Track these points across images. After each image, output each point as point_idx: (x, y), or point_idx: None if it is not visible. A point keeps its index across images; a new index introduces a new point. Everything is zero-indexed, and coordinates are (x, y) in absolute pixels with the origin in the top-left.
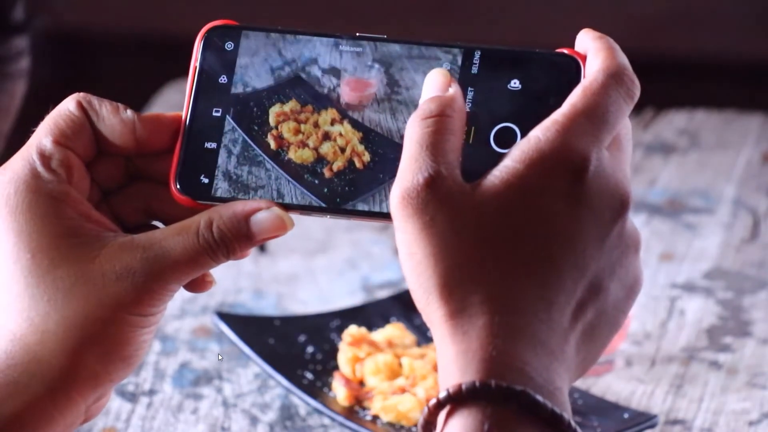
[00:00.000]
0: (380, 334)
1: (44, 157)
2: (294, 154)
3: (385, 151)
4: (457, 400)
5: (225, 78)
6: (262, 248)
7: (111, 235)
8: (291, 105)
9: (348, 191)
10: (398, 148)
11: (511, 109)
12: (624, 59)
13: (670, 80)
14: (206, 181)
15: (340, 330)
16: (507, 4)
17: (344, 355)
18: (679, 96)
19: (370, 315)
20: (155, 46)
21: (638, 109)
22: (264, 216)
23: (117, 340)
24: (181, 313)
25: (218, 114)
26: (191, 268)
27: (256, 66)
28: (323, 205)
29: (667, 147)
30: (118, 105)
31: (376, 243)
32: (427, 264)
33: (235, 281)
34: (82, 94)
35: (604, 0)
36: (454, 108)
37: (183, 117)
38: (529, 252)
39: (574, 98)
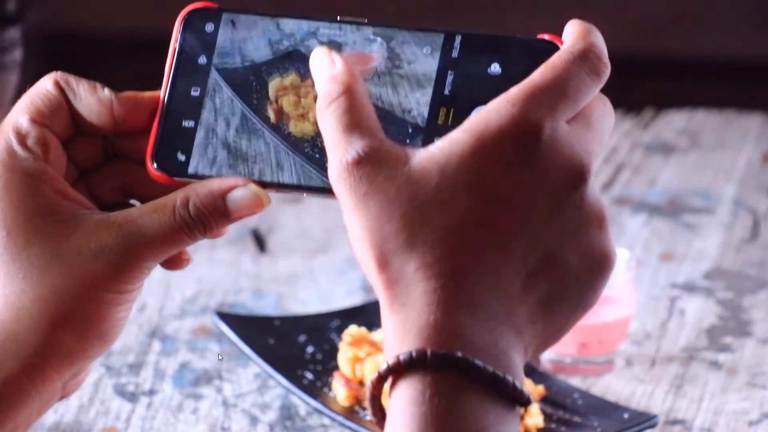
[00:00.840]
0: (380, 334)
1: (20, 135)
2: (294, 128)
3: (386, 126)
4: (397, 371)
5: (204, 58)
6: (262, 248)
7: (87, 212)
8: (291, 78)
9: None
10: (399, 122)
11: (490, 93)
12: (595, 39)
13: (670, 80)
14: (183, 158)
15: (340, 330)
16: (507, 5)
17: (344, 355)
18: (679, 96)
19: (370, 315)
20: (153, 46)
21: (638, 109)
22: (240, 193)
23: (93, 318)
24: (181, 313)
25: (197, 93)
26: (167, 245)
27: (235, 45)
28: (324, 179)
29: (667, 147)
30: (95, 84)
31: None
32: (362, 236)
33: (235, 281)
34: (59, 72)
35: (605, 0)
36: (350, 79)
37: (161, 96)
38: (467, 219)
39: (534, 74)
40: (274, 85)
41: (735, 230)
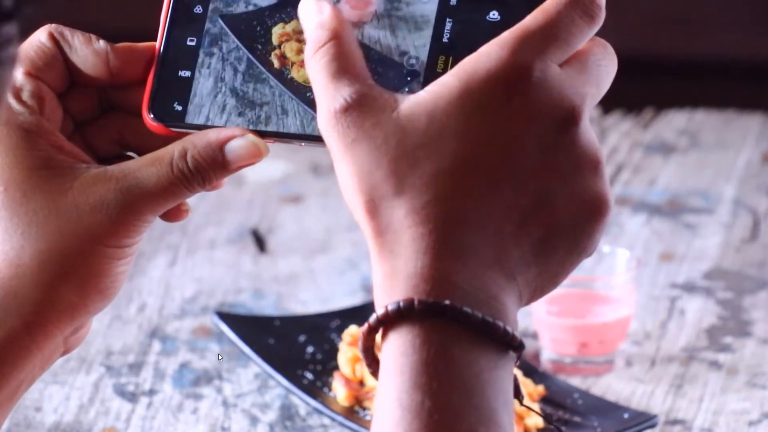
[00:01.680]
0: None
1: (15, 89)
2: (297, 74)
3: (384, 70)
4: (386, 322)
5: (200, 8)
6: (262, 248)
7: (84, 166)
8: (293, 25)
9: None
10: (397, 66)
11: (488, 40)
12: None
13: (670, 80)
14: (179, 108)
15: (340, 330)
16: None
17: (344, 355)
18: (679, 96)
19: (370, 315)
20: None
21: (638, 109)
22: (239, 143)
23: (92, 273)
24: (181, 313)
25: (193, 43)
26: (166, 198)
27: None
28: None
29: (667, 147)
30: (90, 35)
31: None
32: (351, 183)
33: (235, 281)
34: (53, 24)
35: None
36: (338, 25)
37: (157, 46)
38: (455, 163)
39: (525, 18)
40: (276, 31)
41: (735, 230)
